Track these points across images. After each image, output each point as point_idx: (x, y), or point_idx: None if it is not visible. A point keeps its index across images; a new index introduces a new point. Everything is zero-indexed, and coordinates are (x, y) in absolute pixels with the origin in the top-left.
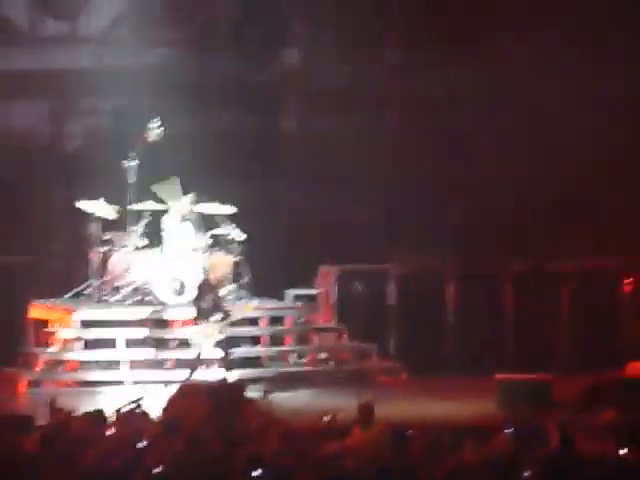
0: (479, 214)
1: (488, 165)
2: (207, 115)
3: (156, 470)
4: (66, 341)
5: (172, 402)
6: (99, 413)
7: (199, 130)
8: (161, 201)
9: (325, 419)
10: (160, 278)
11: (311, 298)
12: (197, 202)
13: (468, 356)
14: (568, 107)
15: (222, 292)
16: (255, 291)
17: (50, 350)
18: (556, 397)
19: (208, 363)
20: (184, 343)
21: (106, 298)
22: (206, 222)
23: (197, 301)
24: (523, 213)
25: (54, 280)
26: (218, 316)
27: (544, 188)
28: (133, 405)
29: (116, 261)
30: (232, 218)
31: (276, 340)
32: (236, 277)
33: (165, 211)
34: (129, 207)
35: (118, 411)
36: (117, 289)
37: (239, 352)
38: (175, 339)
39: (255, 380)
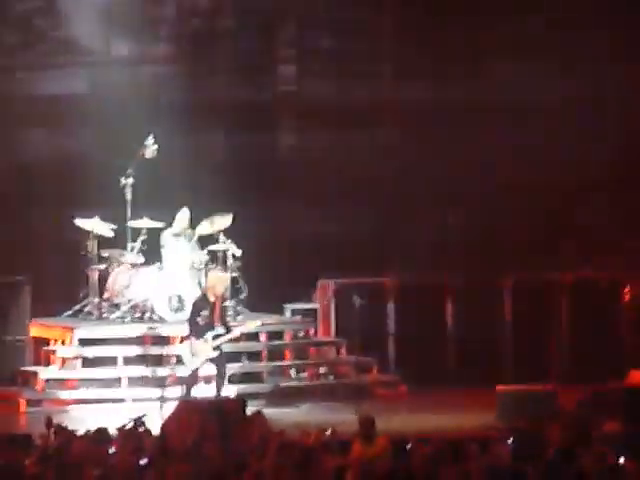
0: (477, 227)
1: (486, 178)
2: (203, 130)
3: None
4: (65, 359)
5: (172, 419)
6: (101, 431)
7: (195, 146)
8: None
9: (326, 433)
10: (159, 295)
11: (309, 312)
12: (193, 218)
13: (467, 368)
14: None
15: (221, 308)
16: (252, 306)
17: (49, 368)
18: (557, 407)
19: (207, 379)
20: (182, 360)
21: (105, 315)
22: (203, 238)
23: (192, 317)
24: (521, 226)
25: (53, 298)
26: (215, 332)
27: (543, 200)
28: (134, 423)
29: (114, 278)
30: (229, 234)
31: (275, 355)
32: (234, 292)
33: (162, 228)
34: (127, 224)
35: (120, 429)
36: (116, 306)
37: (238, 367)
38: (173, 356)
39: (255, 395)
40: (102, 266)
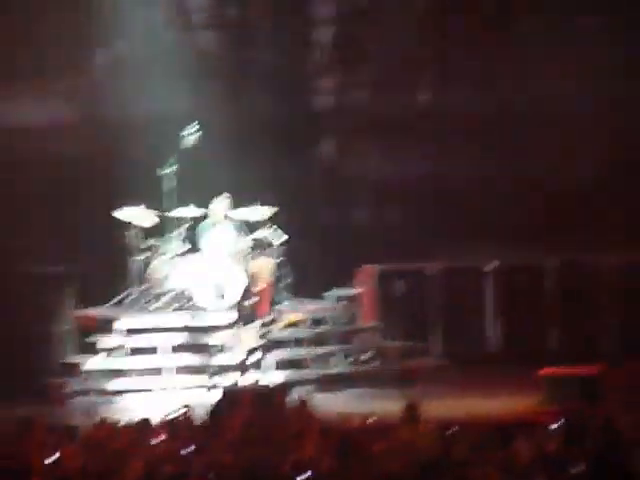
0: (517, 211)
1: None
2: (244, 110)
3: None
4: (109, 349)
5: (216, 408)
6: (145, 421)
7: (236, 130)
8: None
9: (370, 420)
10: (200, 284)
11: (353, 298)
12: (235, 206)
13: (514, 351)
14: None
15: (268, 295)
16: (296, 292)
17: (94, 359)
18: (604, 390)
19: (250, 367)
20: (226, 348)
21: (147, 305)
22: (246, 225)
23: (240, 305)
24: (569, 208)
25: (96, 289)
26: (261, 320)
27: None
28: (179, 412)
29: (156, 268)
30: (271, 220)
31: (319, 341)
32: (278, 279)
33: (204, 216)
34: (168, 213)
35: (164, 419)
36: (158, 296)
37: (282, 355)
38: (217, 345)
39: (300, 382)
40: (143, 256)
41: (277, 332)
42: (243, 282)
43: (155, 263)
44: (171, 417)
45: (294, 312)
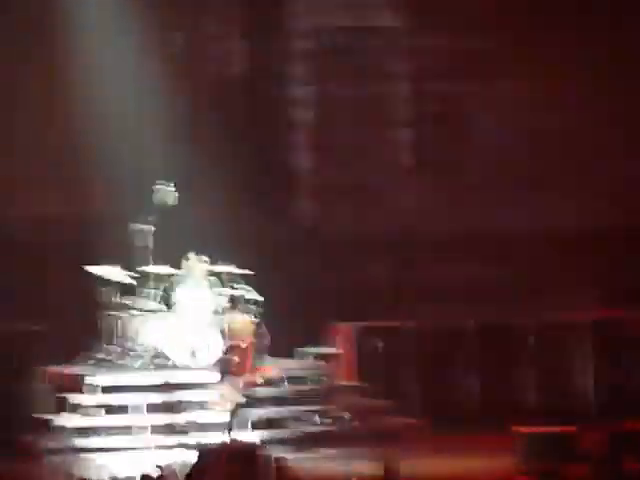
0: (497, 265)
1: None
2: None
3: None
4: (82, 407)
5: (197, 466)
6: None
7: (213, 193)
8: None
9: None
10: (176, 342)
11: (328, 357)
12: (211, 264)
13: (492, 411)
14: None
15: (248, 353)
16: (271, 351)
17: (66, 416)
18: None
19: (230, 426)
20: (205, 406)
21: (121, 362)
22: (221, 283)
23: (220, 364)
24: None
25: (68, 346)
26: (240, 379)
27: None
28: (154, 472)
29: (131, 325)
30: (247, 280)
31: (298, 400)
32: (257, 338)
33: (180, 274)
34: (144, 270)
35: (144, 477)
36: (132, 353)
37: (260, 413)
38: (196, 403)
39: (279, 441)
40: (115, 313)
41: (257, 390)
42: (219, 341)
43: (131, 320)
44: (146, 476)
45: (272, 368)
